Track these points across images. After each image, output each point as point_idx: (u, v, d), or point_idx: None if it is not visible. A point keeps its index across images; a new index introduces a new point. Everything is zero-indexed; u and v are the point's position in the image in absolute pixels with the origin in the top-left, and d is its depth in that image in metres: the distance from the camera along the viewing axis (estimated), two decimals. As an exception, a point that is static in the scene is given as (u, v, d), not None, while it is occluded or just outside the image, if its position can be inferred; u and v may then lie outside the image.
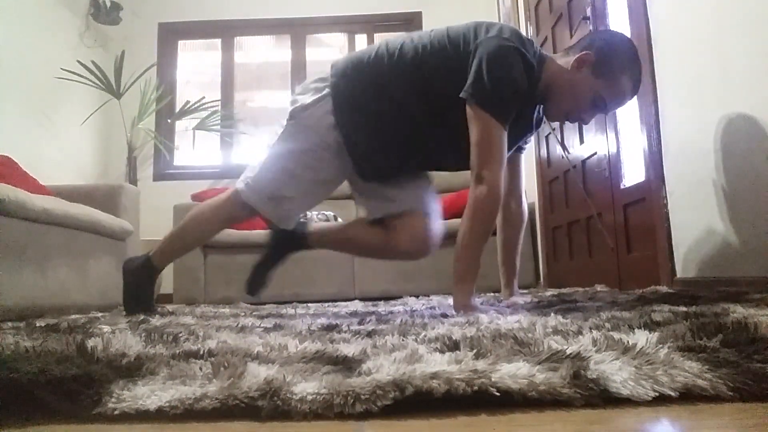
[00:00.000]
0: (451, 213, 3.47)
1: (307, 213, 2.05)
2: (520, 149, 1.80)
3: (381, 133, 1.59)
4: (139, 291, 1.81)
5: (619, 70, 1.49)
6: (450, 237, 3.14)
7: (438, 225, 1.73)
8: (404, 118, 1.56)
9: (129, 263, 1.85)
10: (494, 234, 1.70)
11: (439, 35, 1.55)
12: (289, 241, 1.86)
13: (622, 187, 2.37)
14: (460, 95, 1.46)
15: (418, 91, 1.53)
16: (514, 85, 1.45)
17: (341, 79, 1.59)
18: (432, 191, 1.78)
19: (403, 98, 1.54)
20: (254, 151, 4.49)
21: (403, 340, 0.88)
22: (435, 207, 1.74)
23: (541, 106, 1.63)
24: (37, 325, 1.35)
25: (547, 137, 3.31)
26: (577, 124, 2.54)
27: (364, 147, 1.60)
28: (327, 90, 1.59)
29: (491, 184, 1.43)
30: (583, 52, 1.49)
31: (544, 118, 1.70)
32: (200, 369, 0.67)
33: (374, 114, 1.57)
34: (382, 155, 1.62)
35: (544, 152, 3.41)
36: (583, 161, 2.78)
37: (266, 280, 1.91)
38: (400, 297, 2.65)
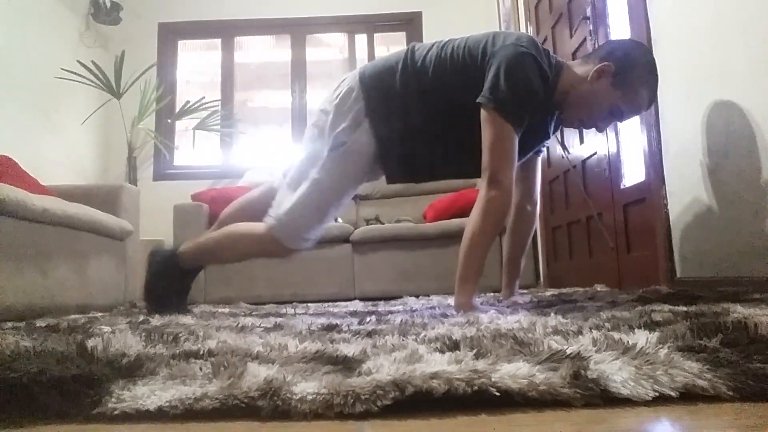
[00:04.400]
0: (451, 213, 3.48)
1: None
2: (538, 152, 1.81)
3: (413, 145, 1.62)
4: (159, 286, 1.78)
5: (638, 82, 1.49)
6: (450, 237, 3.16)
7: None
8: (428, 130, 1.59)
9: (155, 255, 1.82)
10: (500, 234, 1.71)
11: (459, 49, 1.56)
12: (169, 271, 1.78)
13: (622, 187, 2.36)
14: (477, 100, 1.47)
15: (440, 106, 1.56)
16: (530, 91, 1.46)
17: (376, 102, 1.58)
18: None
19: (428, 113, 1.57)
20: (254, 151, 4.55)
21: (403, 340, 0.88)
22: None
23: (557, 112, 1.64)
24: (37, 325, 1.36)
25: (547, 137, 3.31)
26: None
27: (399, 159, 1.64)
28: (364, 111, 1.58)
29: (503, 186, 1.43)
30: (603, 63, 1.49)
31: (561, 124, 1.71)
32: (200, 369, 0.67)
33: (407, 131, 1.59)
34: (413, 165, 1.67)
35: (544, 152, 3.41)
36: (583, 161, 2.78)
37: (183, 299, 1.86)
38: (400, 297, 2.64)
